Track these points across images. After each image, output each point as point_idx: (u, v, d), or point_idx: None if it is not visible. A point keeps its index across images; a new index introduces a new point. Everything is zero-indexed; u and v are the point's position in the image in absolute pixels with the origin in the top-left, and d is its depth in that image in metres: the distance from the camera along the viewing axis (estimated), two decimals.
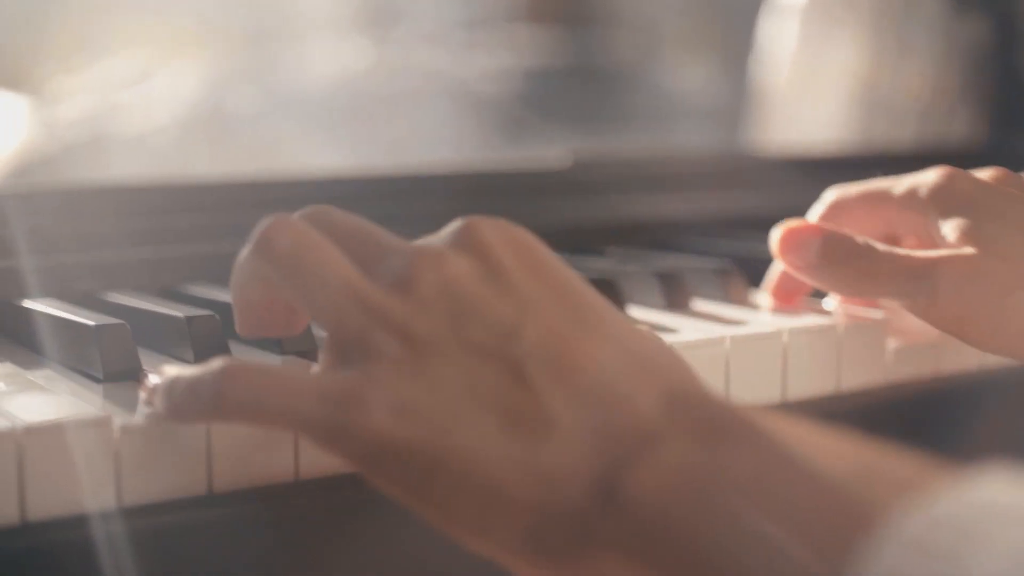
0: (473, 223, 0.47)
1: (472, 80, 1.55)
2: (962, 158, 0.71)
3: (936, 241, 0.65)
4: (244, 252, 0.48)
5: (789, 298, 0.71)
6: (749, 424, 0.42)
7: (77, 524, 0.45)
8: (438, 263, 0.46)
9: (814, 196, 0.72)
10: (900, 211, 0.67)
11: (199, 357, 0.56)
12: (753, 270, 0.75)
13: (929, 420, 0.70)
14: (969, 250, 0.62)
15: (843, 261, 0.64)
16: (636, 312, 0.69)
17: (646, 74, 1.59)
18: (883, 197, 0.68)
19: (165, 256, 0.71)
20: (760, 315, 0.69)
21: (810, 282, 0.66)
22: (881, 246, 0.64)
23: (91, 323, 0.54)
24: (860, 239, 0.64)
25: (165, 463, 0.47)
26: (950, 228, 0.64)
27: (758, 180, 1.02)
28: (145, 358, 0.56)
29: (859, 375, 0.67)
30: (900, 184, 0.67)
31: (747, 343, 0.63)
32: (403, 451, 0.43)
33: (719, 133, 1.49)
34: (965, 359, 0.70)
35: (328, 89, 1.55)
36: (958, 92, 1.33)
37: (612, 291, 0.68)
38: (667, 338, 0.61)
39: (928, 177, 0.66)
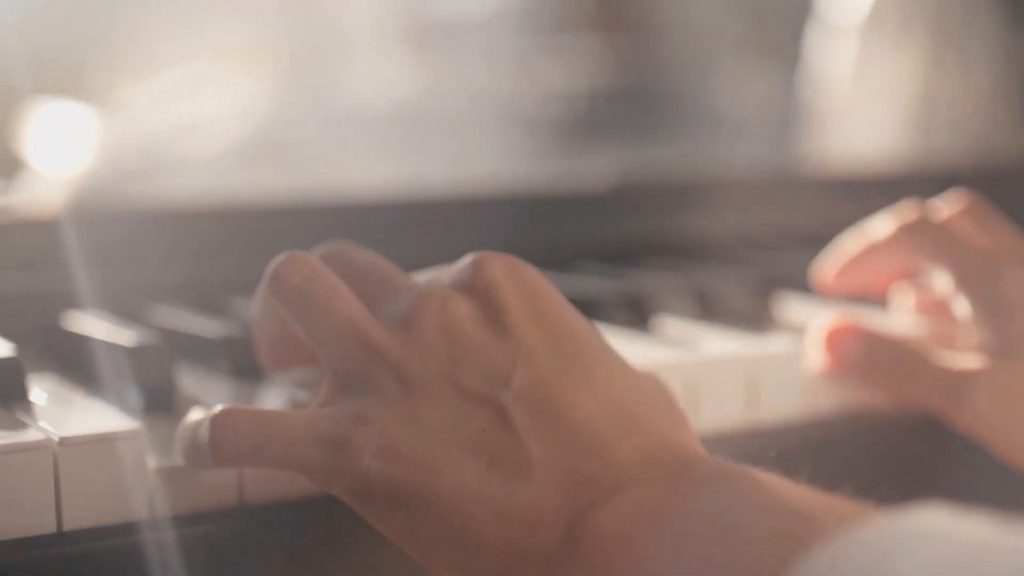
0: (482, 261, 0.49)
1: (520, 97, 1.56)
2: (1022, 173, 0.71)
3: (972, 320, 0.65)
4: (259, 288, 0.50)
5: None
6: (718, 474, 0.43)
7: (111, 534, 0.47)
8: (441, 305, 0.47)
9: (866, 213, 0.73)
10: (979, 276, 0.66)
11: (237, 376, 0.58)
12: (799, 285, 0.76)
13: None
14: (1008, 364, 0.62)
15: (884, 368, 0.64)
16: (667, 322, 0.70)
17: (696, 90, 1.60)
18: (960, 252, 0.67)
19: (220, 276, 0.73)
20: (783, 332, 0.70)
21: (849, 380, 0.66)
22: (923, 351, 0.64)
23: (128, 344, 0.56)
24: (902, 343, 0.64)
25: (196, 475, 0.49)
26: (990, 329, 0.64)
27: (810, 198, 1.02)
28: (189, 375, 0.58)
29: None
30: (982, 236, 0.67)
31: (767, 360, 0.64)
32: (390, 492, 0.45)
33: (770, 149, 1.49)
34: None
35: (381, 107, 1.57)
36: (1017, 106, 1.33)
37: (639, 303, 0.69)
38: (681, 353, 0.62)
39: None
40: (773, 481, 0.43)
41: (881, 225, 0.70)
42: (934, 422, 0.65)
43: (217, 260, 0.73)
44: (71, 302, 0.66)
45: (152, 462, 0.48)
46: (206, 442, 0.46)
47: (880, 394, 0.66)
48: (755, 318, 0.73)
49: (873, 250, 0.70)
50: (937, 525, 0.36)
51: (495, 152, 1.49)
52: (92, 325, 0.61)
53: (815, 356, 0.65)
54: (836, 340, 0.65)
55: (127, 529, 0.47)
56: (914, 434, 0.67)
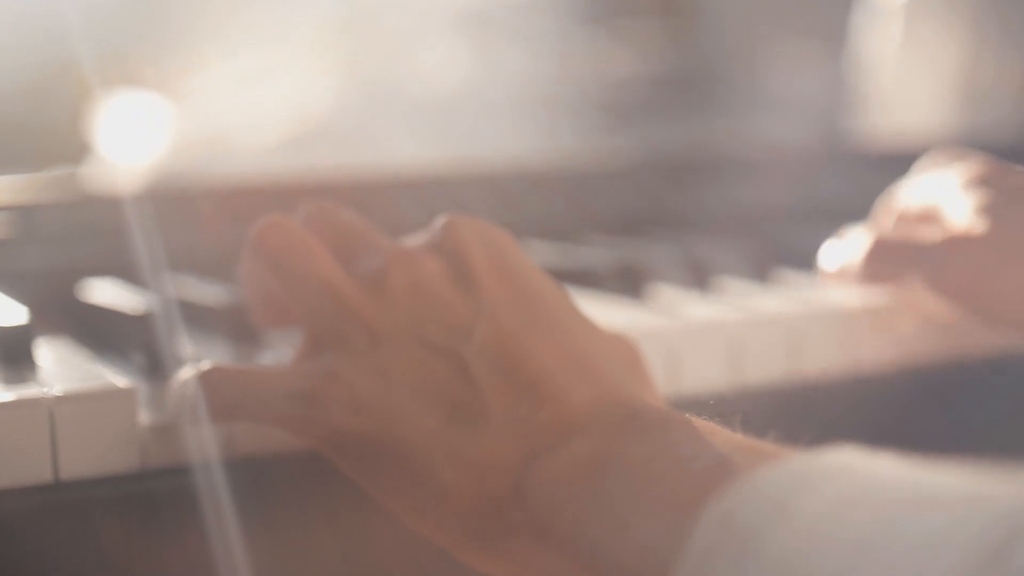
0: (452, 222, 0.51)
1: (571, 81, 1.58)
2: None
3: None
4: (244, 253, 0.54)
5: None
6: (657, 423, 0.45)
7: (105, 484, 0.51)
8: (410, 263, 0.50)
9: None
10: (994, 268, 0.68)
11: (238, 342, 0.62)
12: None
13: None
14: (981, 225, 0.65)
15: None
16: (664, 290, 0.73)
17: (746, 72, 1.61)
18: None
19: None
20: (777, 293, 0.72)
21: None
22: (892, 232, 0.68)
23: (134, 312, 0.60)
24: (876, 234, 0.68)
25: (186, 431, 0.53)
26: (967, 207, 0.67)
27: (856, 172, 1.04)
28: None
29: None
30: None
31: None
32: (357, 442, 0.48)
33: (819, 128, 1.50)
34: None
35: (440, 91, 1.59)
36: None
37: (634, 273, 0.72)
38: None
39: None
40: (709, 429, 0.44)
41: (886, 220, 0.72)
42: (916, 383, 0.67)
43: None
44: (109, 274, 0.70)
45: (145, 419, 0.52)
46: (190, 400, 0.50)
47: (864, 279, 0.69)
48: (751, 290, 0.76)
49: (880, 243, 0.71)
50: (845, 463, 0.38)
51: (546, 134, 1.51)
52: (105, 294, 0.65)
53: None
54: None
55: (120, 481, 0.51)
56: (898, 395, 0.69)
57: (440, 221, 0.52)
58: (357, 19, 1.72)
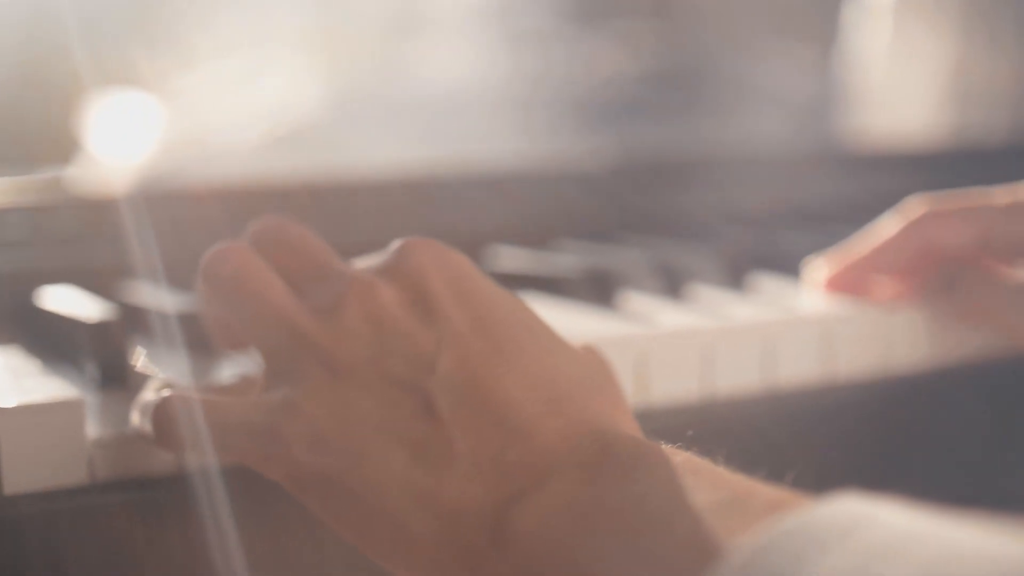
0: (408, 247, 0.49)
1: (561, 81, 1.57)
2: None
3: None
4: (197, 280, 0.52)
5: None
6: (636, 460, 0.43)
7: (49, 499, 0.50)
8: (367, 291, 0.48)
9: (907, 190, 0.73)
10: (1004, 225, 0.67)
11: (194, 351, 0.60)
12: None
13: None
14: None
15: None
16: (635, 299, 0.72)
17: (735, 71, 1.60)
18: (983, 210, 0.67)
19: None
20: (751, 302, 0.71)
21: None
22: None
23: (88, 320, 0.59)
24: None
25: (134, 445, 0.52)
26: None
27: (847, 175, 1.03)
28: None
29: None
30: (1002, 195, 0.67)
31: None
32: (321, 481, 0.46)
33: (806, 127, 1.49)
34: None
35: (431, 90, 1.58)
36: None
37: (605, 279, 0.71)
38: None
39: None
40: (692, 466, 0.42)
41: (886, 225, 0.70)
42: (893, 392, 0.66)
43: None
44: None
45: (92, 431, 0.51)
46: (150, 426, 0.49)
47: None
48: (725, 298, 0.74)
49: (878, 249, 0.70)
50: (859, 515, 0.35)
51: (529, 135, 1.50)
52: (60, 301, 0.64)
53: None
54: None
55: (65, 495, 0.50)
56: (878, 407, 0.68)
57: (395, 244, 0.50)
58: (341, 20, 1.71)
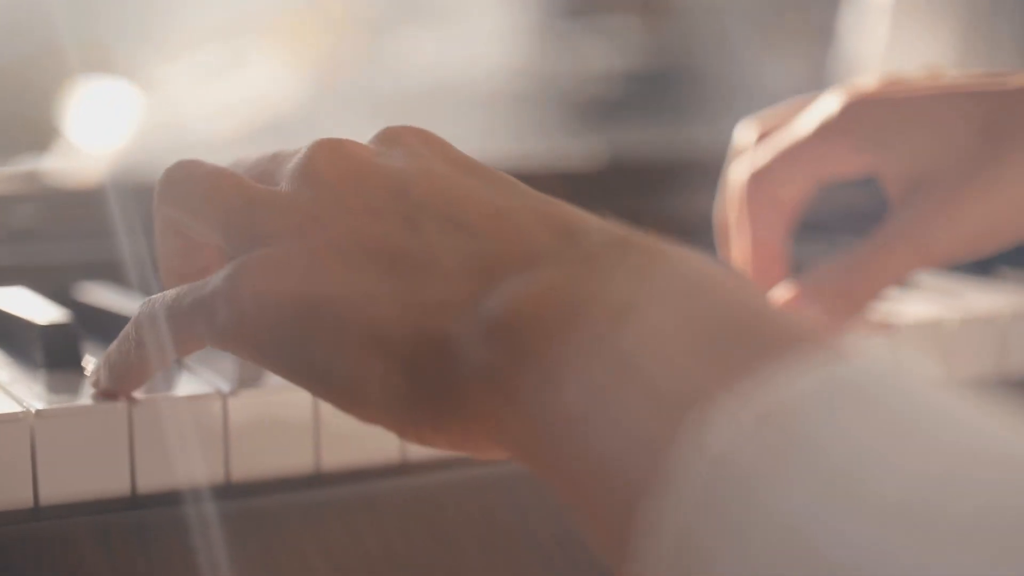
0: (389, 127, 0.47)
1: (541, 73, 1.54)
2: None
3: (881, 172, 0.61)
4: (153, 208, 0.49)
5: None
6: (650, 261, 0.38)
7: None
8: (334, 145, 0.45)
9: None
10: (824, 154, 0.63)
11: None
12: None
13: None
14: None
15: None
16: None
17: (730, 70, 1.58)
18: (798, 150, 0.63)
19: None
20: None
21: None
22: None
23: (39, 322, 0.55)
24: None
25: (85, 462, 0.48)
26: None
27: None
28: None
29: None
30: (803, 126, 0.63)
31: None
32: (275, 305, 0.42)
33: None
34: None
35: (416, 83, 1.56)
36: None
37: None
38: None
39: (831, 106, 0.62)
40: (706, 278, 0.37)
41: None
42: None
43: None
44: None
45: (42, 447, 0.47)
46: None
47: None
48: None
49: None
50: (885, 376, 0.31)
51: (525, 130, 1.48)
52: (14, 302, 0.60)
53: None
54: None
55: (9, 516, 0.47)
56: None
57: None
58: (326, 11, 1.68)
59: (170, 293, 0.46)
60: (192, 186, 0.47)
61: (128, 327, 0.47)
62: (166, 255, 0.51)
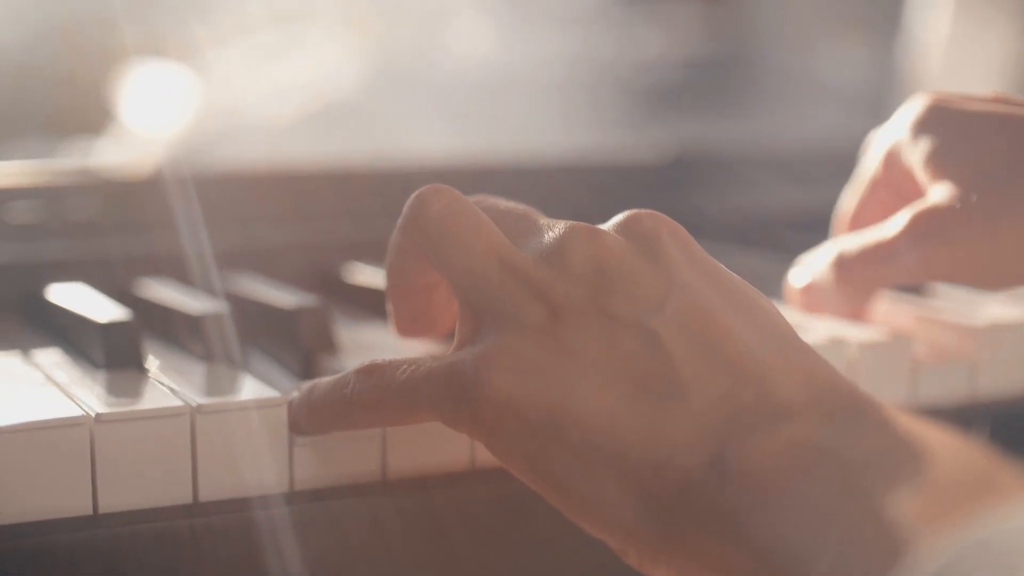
0: (636, 213, 0.47)
1: (604, 64, 1.53)
2: None
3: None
4: (398, 225, 0.49)
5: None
6: (885, 423, 0.40)
7: (48, 529, 0.46)
8: (591, 236, 0.45)
9: None
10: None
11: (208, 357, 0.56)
12: None
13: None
14: (940, 193, 0.60)
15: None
16: None
17: (795, 60, 1.56)
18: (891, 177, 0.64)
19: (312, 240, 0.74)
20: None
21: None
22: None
23: (100, 320, 0.54)
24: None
25: (144, 471, 0.47)
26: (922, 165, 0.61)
27: None
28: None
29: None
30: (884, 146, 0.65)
31: None
32: (522, 411, 0.43)
33: (863, 117, 1.45)
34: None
35: (472, 73, 1.55)
36: None
37: None
38: None
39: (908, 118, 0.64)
40: (940, 444, 0.39)
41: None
42: None
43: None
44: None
45: (101, 453, 0.46)
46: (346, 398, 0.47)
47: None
48: None
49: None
50: None
51: (573, 121, 1.46)
52: (74, 299, 0.59)
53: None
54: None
55: (69, 524, 0.46)
56: None
57: (624, 213, 0.47)
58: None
59: (403, 361, 0.46)
60: (450, 227, 0.47)
61: (346, 377, 0.47)
62: (395, 271, 0.51)
